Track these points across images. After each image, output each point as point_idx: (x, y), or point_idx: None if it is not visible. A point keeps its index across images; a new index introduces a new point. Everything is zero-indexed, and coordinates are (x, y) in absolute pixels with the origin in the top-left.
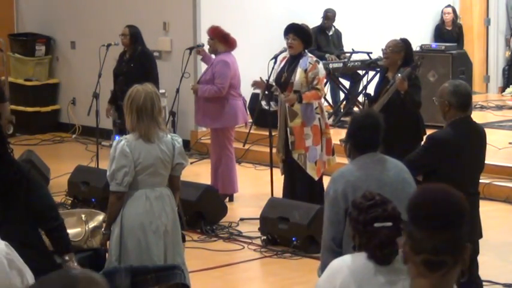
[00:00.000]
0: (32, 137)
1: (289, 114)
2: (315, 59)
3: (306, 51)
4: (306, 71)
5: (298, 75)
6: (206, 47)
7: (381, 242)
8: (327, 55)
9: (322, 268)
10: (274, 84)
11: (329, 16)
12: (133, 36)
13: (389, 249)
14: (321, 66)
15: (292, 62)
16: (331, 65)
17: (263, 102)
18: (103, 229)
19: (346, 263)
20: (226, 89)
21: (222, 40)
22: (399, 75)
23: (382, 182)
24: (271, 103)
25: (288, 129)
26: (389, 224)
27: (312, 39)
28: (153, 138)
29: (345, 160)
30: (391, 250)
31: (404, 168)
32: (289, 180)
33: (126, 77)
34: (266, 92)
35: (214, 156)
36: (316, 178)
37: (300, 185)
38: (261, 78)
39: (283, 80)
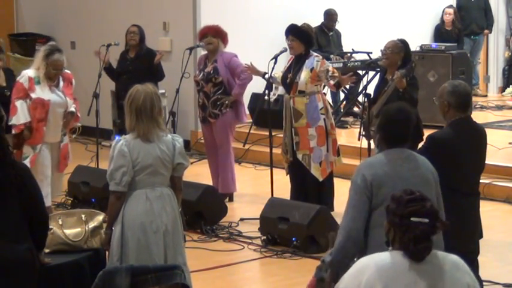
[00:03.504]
0: None
1: (294, 115)
2: (321, 56)
3: (311, 51)
4: (312, 69)
5: (304, 75)
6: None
7: (415, 237)
8: (331, 56)
9: (337, 256)
10: (272, 80)
11: (335, 18)
12: (142, 35)
13: (423, 245)
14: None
15: (297, 62)
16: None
17: (272, 92)
18: (104, 229)
19: (374, 261)
20: (251, 76)
21: (223, 39)
22: (398, 72)
23: (407, 182)
24: (271, 92)
25: (293, 130)
26: (426, 220)
27: (313, 40)
28: (152, 138)
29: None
30: (425, 246)
31: (429, 168)
32: (297, 181)
33: (132, 76)
34: (267, 91)
35: (218, 155)
36: (321, 179)
37: (311, 185)
38: (251, 63)
39: (289, 80)
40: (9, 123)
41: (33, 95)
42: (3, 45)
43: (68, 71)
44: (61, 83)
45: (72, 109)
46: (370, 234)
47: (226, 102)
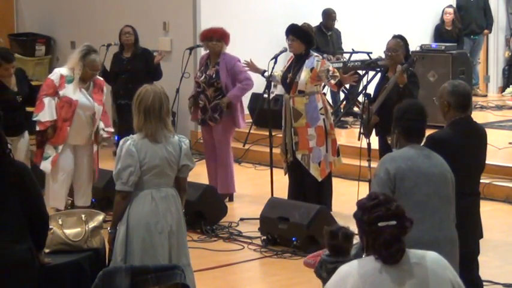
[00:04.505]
0: (32, 137)
1: (294, 115)
2: (321, 56)
3: (311, 51)
4: (312, 69)
5: (304, 74)
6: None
7: (385, 241)
8: (324, 55)
9: (361, 250)
10: (271, 78)
11: (333, 17)
12: (136, 34)
13: (395, 247)
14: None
15: (297, 62)
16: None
17: (271, 90)
18: (109, 228)
19: (355, 268)
20: (252, 82)
21: (227, 41)
22: (399, 66)
23: (428, 177)
24: (271, 90)
25: (292, 130)
26: (394, 222)
27: (313, 39)
28: (160, 139)
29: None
30: (397, 248)
31: (447, 167)
32: (295, 181)
33: (130, 76)
34: (267, 89)
35: (216, 156)
36: (320, 179)
37: (309, 185)
38: (250, 60)
39: (289, 80)
40: (34, 119)
41: (61, 93)
42: (4, 45)
43: (100, 78)
44: (91, 87)
45: (104, 134)
46: None
47: (222, 105)
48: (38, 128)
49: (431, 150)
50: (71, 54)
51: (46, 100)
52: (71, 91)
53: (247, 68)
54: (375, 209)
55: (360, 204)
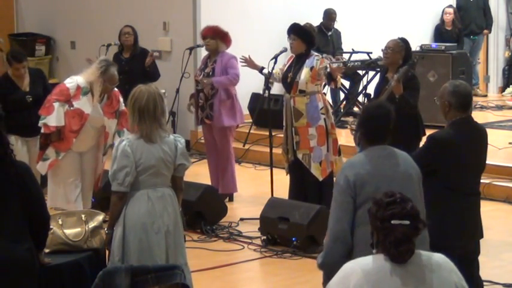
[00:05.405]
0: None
1: (294, 115)
2: (321, 55)
3: (312, 51)
4: (312, 68)
5: (304, 74)
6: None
7: (396, 239)
8: (324, 55)
9: (327, 258)
10: (270, 75)
11: (333, 17)
12: (136, 35)
13: (404, 247)
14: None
15: (298, 61)
16: None
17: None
18: (106, 229)
19: (359, 265)
20: (239, 78)
21: (223, 39)
22: (396, 75)
23: (390, 179)
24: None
25: (293, 129)
26: (407, 222)
27: (314, 39)
28: (155, 139)
29: None
30: (407, 248)
31: (412, 164)
32: (296, 181)
33: (128, 76)
34: (266, 87)
35: (218, 156)
36: (321, 179)
37: (311, 185)
38: (249, 56)
39: (289, 80)
40: (40, 121)
41: (75, 104)
42: (4, 45)
43: (115, 89)
44: (104, 100)
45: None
46: (356, 233)
47: (204, 81)
48: (42, 130)
49: (394, 149)
50: (88, 68)
51: (56, 105)
52: (84, 104)
53: (244, 64)
54: (390, 206)
55: (376, 200)
